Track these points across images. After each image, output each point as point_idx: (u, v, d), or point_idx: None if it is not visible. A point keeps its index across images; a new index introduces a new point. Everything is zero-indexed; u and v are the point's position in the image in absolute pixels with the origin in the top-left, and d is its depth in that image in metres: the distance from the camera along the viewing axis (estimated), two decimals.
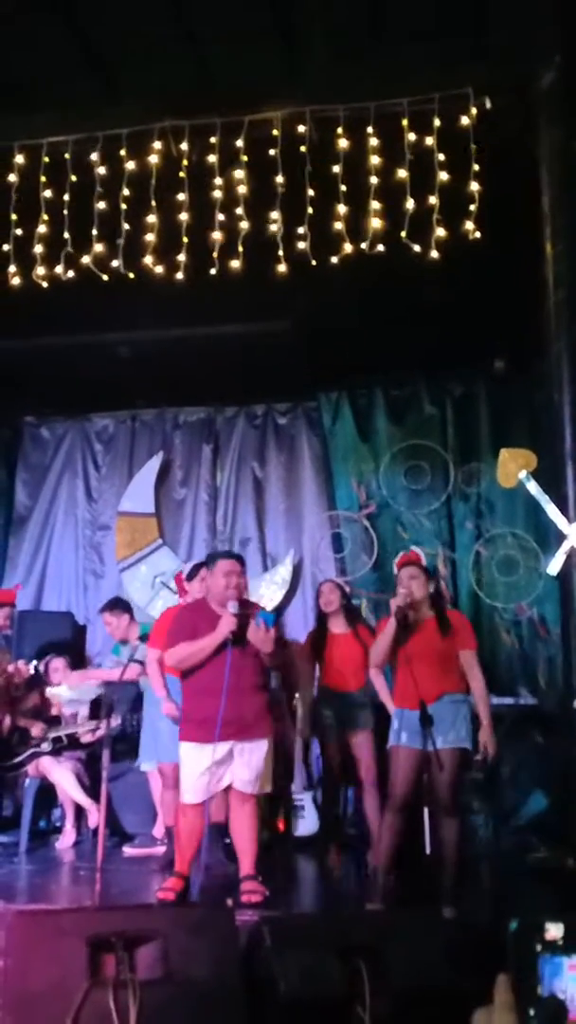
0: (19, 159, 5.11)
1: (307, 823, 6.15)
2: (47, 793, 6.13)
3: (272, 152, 4.93)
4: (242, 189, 4.96)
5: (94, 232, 5.03)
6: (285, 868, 5.58)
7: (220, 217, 4.97)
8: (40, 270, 5.12)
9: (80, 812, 6.04)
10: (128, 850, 5.78)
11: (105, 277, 5.06)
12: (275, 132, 4.95)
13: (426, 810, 4.11)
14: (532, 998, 0.89)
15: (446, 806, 4.27)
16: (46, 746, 6.01)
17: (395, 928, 3.05)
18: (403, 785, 4.30)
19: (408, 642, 4.41)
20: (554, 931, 0.93)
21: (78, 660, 6.97)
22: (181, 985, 2.72)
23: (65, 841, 5.99)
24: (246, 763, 4.41)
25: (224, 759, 4.37)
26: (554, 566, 4.91)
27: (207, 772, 4.33)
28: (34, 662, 6.41)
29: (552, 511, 4.90)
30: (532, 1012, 0.86)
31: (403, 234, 4.82)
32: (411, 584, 4.48)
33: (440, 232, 4.83)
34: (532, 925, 0.93)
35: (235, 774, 4.41)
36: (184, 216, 4.99)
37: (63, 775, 5.96)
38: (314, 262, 4.93)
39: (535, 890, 4.87)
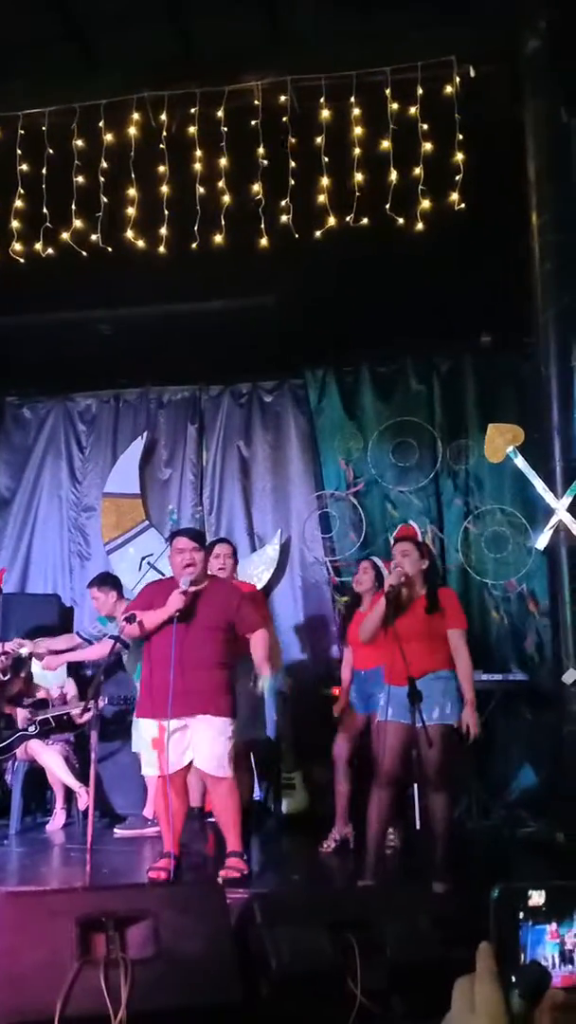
0: None
1: (296, 800, 6.15)
2: (37, 776, 6.11)
3: (253, 123, 4.85)
4: (223, 161, 4.88)
5: (73, 206, 4.95)
6: (277, 846, 5.59)
7: (201, 190, 4.90)
8: (17, 246, 5.03)
9: (70, 794, 6.02)
10: (119, 831, 5.77)
11: (85, 253, 4.98)
12: (256, 102, 4.87)
13: (415, 786, 4.10)
14: (514, 965, 0.86)
15: (434, 782, 4.27)
16: (33, 729, 5.98)
17: (386, 903, 3.04)
18: (391, 761, 4.31)
19: (399, 619, 4.39)
20: (537, 898, 0.91)
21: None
22: (172, 963, 2.70)
23: (55, 823, 5.98)
24: (203, 740, 4.41)
25: (181, 735, 4.40)
26: (542, 541, 4.90)
27: (158, 746, 4.38)
28: (24, 647, 6.34)
29: (540, 486, 4.89)
30: (514, 979, 0.83)
31: (387, 206, 4.76)
32: (403, 561, 4.45)
33: (425, 204, 4.77)
34: (514, 892, 0.91)
35: (196, 752, 4.42)
36: (165, 189, 4.92)
37: (52, 758, 5.94)
38: (297, 235, 4.86)
39: (525, 863, 4.88)
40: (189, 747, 4.44)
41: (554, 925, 0.91)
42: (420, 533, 6.73)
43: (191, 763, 4.48)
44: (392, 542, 4.79)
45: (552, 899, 0.92)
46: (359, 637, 4.81)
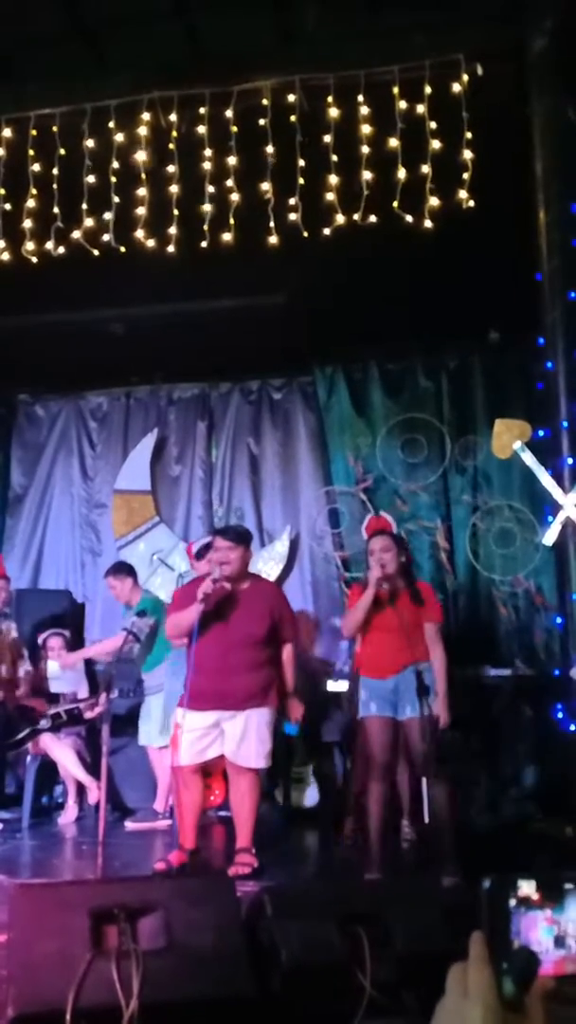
0: (7, 132, 5.06)
1: (308, 795, 6.19)
2: (49, 770, 6.17)
3: (262, 122, 4.88)
4: (232, 160, 4.90)
5: (84, 206, 4.98)
6: (287, 839, 5.63)
7: (211, 189, 4.93)
8: (29, 245, 5.07)
9: (82, 788, 6.08)
10: (130, 824, 5.82)
11: (96, 252, 5.02)
12: (265, 102, 4.90)
13: (424, 780, 4.14)
14: (506, 951, 0.90)
15: (428, 773, 4.34)
16: (45, 723, 6.03)
17: (394, 895, 3.07)
18: (382, 755, 4.41)
19: (381, 613, 4.45)
20: (526, 888, 0.96)
21: (76, 638, 6.98)
22: (183, 955, 2.74)
23: (67, 817, 6.04)
24: (235, 734, 4.45)
25: (212, 728, 4.45)
26: (549, 536, 4.92)
27: (194, 737, 4.43)
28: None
29: (547, 481, 4.91)
30: (505, 965, 0.87)
31: (395, 204, 4.77)
32: (384, 557, 4.49)
33: (433, 201, 4.79)
34: (505, 882, 0.96)
35: (226, 745, 4.46)
36: (175, 189, 4.94)
37: (63, 753, 5.99)
38: (306, 234, 4.88)
39: (533, 857, 4.91)
40: (218, 742, 4.47)
41: (548, 911, 0.95)
42: (428, 529, 6.78)
43: (214, 759, 4.51)
44: (366, 535, 4.84)
45: (542, 887, 0.96)
46: (343, 630, 4.88)
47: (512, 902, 0.95)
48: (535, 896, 0.95)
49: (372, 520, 5.31)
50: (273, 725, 4.59)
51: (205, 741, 4.46)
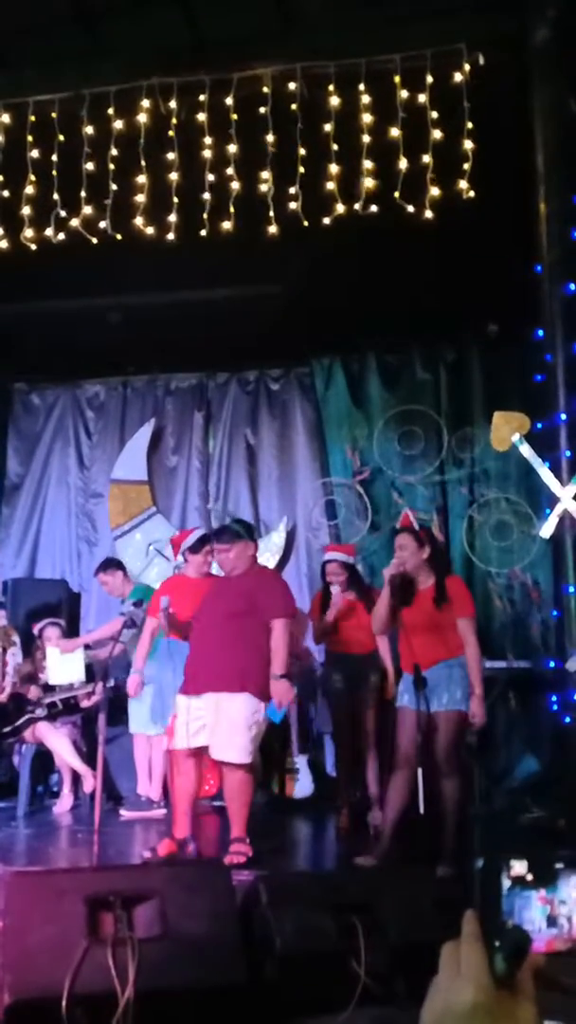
0: (5, 118, 5.02)
1: (303, 785, 6.21)
2: (44, 758, 6.17)
3: (262, 110, 4.85)
4: (232, 148, 4.88)
5: (82, 193, 4.96)
6: (281, 829, 5.64)
7: (210, 177, 4.90)
8: (28, 232, 5.05)
9: (77, 777, 6.08)
10: (125, 813, 5.83)
11: (94, 240, 4.99)
12: (265, 90, 4.87)
13: (420, 771, 4.14)
14: (498, 929, 0.92)
15: (444, 767, 4.32)
16: (41, 712, 6.03)
17: (388, 885, 3.08)
18: (407, 744, 4.37)
19: (408, 609, 4.44)
20: (519, 868, 0.98)
21: (72, 628, 6.98)
22: (179, 942, 2.75)
23: (62, 806, 6.04)
24: (220, 720, 4.38)
25: (202, 713, 4.42)
26: (547, 529, 4.93)
27: (182, 721, 4.45)
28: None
29: (545, 474, 4.91)
30: (497, 943, 0.88)
31: (396, 194, 4.76)
32: (402, 555, 4.48)
33: (434, 191, 4.77)
34: (498, 862, 0.98)
35: (211, 735, 4.41)
36: (174, 176, 4.92)
37: (59, 741, 5.99)
38: (306, 223, 4.87)
39: (527, 849, 4.92)
40: (203, 728, 4.44)
41: (542, 891, 0.97)
42: (424, 521, 6.77)
43: (203, 748, 4.48)
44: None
45: (537, 868, 0.97)
46: (373, 628, 4.84)
47: (506, 882, 0.96)
48: (528, 876, 0.97)
49: (403, 516, 5.35)
50: (254, 716, 4.40)
51: (195, 726, 4.44)
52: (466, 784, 4.66)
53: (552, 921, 0.97)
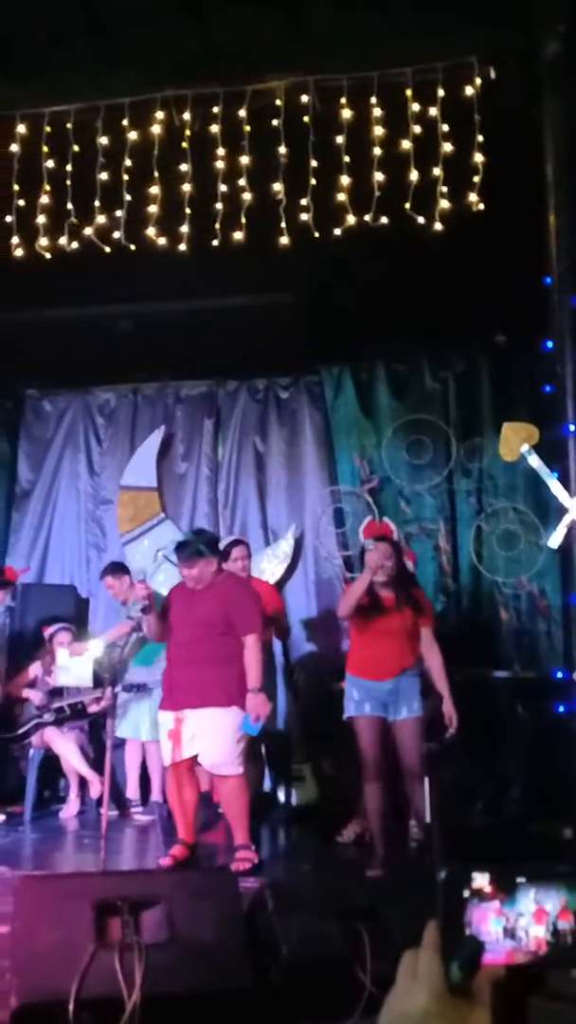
0: (21, 128, 5.07)
1: (306, 792, 6.21)
2: (51, 764, 6.20)
3: (275, 122, 4.89)
4: (244, 160, 4.92)
5: (96, 203, 5.00)
6: (285, 836, 5.65)
7: (222, 188, 4.94)
8: (43, 241, 5.10)
9: (84, 782, 6.11)
10: (135, 816, 5.85)
11: (108, 249, 5.04)
12: (278, 102, 4.91)
13: (426, 779, 4.19)
14: (457, 939, 0.97)
15: (416, 773, 4.42)
16: (48, 716, 6.06)
17: (393, 891, 3.10)
18: (375, 753, 4.48)
19: (380, 618, 4.51)
20: (480, 880, 1.02)
21: (81, 633, 6.99)
22: (185, 948, 2.77)
23: (69, 811, 6.07)
24: (207, 735, 4.46)
25: (184, 727, 4.48)
26: (555, 540, 4.94)
27: (168, 737, 4.52)
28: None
29: (554, 485, 4.92)
30: (454, 953, 0.94)
31: (407, 205, 4.79)
32: (387, 564, 4.56)
33: (444, 204, 4.80)
34: (459, 874, 1.03)
35: (201, 747, 4.49)
36: (187, 187, 4.96)
37: (66, 746, 6.02)
38: (317, 234, 4.90)
39: (532, 858, 4.92)
40: (194, 739, 4.49)
41: (497, 903, 1.01)
42: (432, 531, 6.79)
43: (196, 756, 4.53)
44: (363, 537, 4.91)
45: (495, 880, 1.01)
46: (337, 611, 4.95)
47: (466, 893, 1.00)
48: (488, 889, 1.01)
49: (372, 524, 5.36)
50: (239, 728, 4.46)
51: (187, 736, 4.49)
52: (448, 790, 4.76)
53: (509, 933, 1.01)
